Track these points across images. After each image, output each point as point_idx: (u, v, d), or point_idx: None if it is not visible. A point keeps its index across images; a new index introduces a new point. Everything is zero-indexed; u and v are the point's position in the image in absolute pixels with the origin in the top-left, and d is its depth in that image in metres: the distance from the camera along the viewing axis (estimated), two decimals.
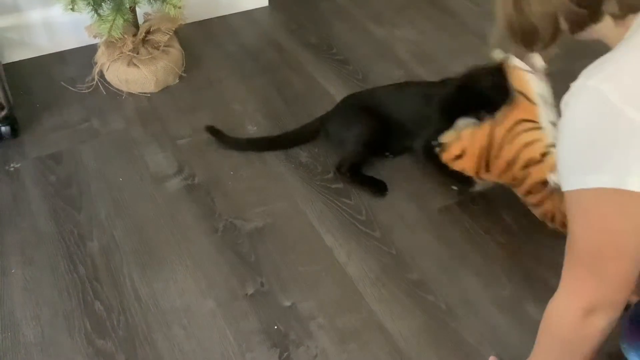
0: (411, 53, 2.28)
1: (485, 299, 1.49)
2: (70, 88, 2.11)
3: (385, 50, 2.31)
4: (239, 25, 2.44)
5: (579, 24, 1.04)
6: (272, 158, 1.87)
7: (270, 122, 1.99)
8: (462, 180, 1.68)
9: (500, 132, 1.55)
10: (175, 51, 2.15)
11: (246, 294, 1.51)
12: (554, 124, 1.50)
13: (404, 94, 1.88)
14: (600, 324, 1.02)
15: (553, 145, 1.48)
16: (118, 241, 1.63)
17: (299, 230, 1.66)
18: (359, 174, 1.78)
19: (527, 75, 1.56)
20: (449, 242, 1.62)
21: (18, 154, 1.88)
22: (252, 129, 1.96)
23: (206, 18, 2.44)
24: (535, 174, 1.52)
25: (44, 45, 2.25)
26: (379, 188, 1.75)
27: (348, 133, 1.83)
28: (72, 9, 1.89)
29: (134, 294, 1.51)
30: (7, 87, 1.88)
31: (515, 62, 1.57)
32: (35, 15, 2.20)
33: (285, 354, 1.39)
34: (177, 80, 2.16)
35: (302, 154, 1.88)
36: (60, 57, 2.26)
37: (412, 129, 1.80)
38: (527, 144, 1.52)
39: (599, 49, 1.05)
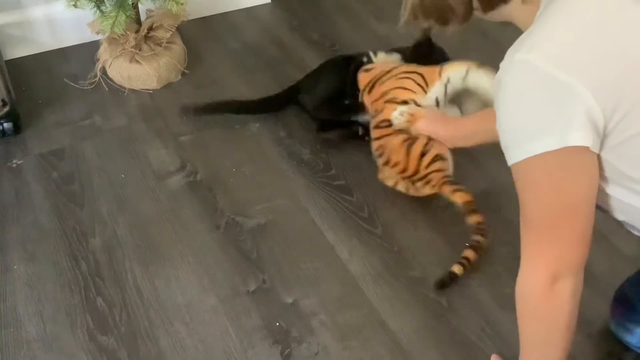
0: None
1: (486, 296, 1.49)
2: (73, 84, 2.11)
3: (387, 47, 2.29)
4: (241, 22, 2.44)
5: (490, 3, 1.11)
6: (275, 155, 1.87)
7: (272, 118, 1.99)
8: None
9: (399, 69, 1.76)
10: (178, 48, 2.15)
11: (248, 291, 1.51)
12: (437, 103, 1.70)
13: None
14: (568, 288, 1.04)
15: (415, 104, 1.68)
16: (120, 237, 1.63)
17: (301, 227, 1.66)
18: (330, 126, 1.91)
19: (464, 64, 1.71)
20: (451, 239, 1.62)
21: (20, 151, 1.88)
22: (254, 126, 1.96)
23: (208, 15, 2.44)
24: (387, 110, 1.68)
25: (46, 41, 2.25)
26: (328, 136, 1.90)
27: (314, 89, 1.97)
28: (75, 6, 1.89)
29: (136, 290, 1.51)
30: (9, 84, 1.88)
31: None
32: (37, 12, 2.20)
33: (287, 351, 1.39)
34: (179, 77, 2.16)
35: (304, 151, 1.88)
36: (62, 54, 2.26)
37: None
38: (403, 87, 1.70)
39: None
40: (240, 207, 1.71)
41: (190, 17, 2.19)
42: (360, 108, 1.80)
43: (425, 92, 1.70)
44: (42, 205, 1.72)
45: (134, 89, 2.10)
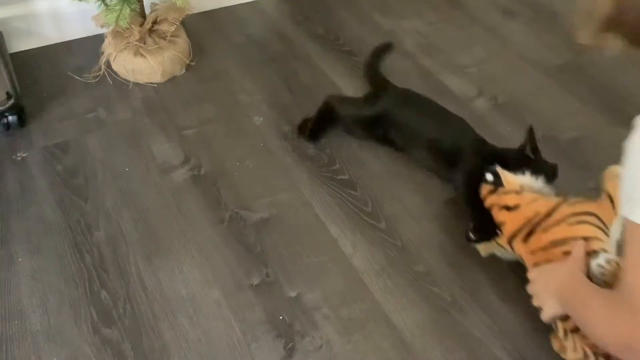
0: (418, 44, 2.28)
1: (490, 292, 1.49)
2: (77, 78, 2.12)
3: (392, 41, 2.30)
4: (246, 16, 2.44)
5: None
6: (279, 149, 1.87)
7: (276, 112, 1.99)
8: (484, 227, 1.51)
9: (565, 210, 1.39)
10: (182, 41, 2.15)
11: (251, 285, 1.51)
12: (619, 244, 1.34)
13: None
14: None
15: (606, 255, 1.29)
16: (124, 231, 1.63)
17: (305, 221, 1.66)
18: (325, 114, 1.88)
19: None
20: (455, 234, 1.61)
21: (25, 143, 1.88)
22: (258, 120, 1.96)
23: (213, 8, 2.44)
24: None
25: (51, 34, 2.26)
26: (314, 134, 1.87)
27: (360, 98, 1.93)
28: None
29: (140, 283, 1.51)
30: (14, 77, 1.88)
31: (614, 170, 1.43)
32: (42, 5, 2.20)
33: (290, 344, 1.39)
34: (184, 71, 2.16)
35: (308, 145, 1.88)
36: (67, 47, 2.26)
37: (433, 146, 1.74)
38: (587, 238, 1.33)
39: None
40: (244, 201, 1.71)
41: (195, 11, 2.18)
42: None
43: (607, 233, 1.37)
44: (47, 198, 1.72)
45: (139, 83, 2.10)
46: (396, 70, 2.15)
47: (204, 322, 1.44)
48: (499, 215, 1.47)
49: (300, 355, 1.37)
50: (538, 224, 1.40)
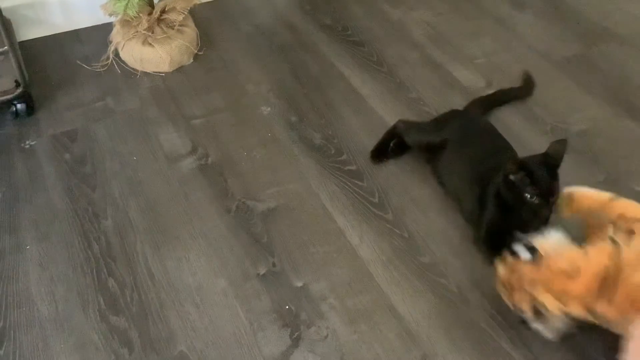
0: (427, 35, 2.27)
1: (496, 284, 1.48)
2: (85, 66, 2.12)
3: (400, 32, 2.29)
4: (254, 6, 2.43)
5: None
6: (286, 139, 1.87)
7: (284, 103, 1.99)
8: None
9: (629, 254, 1.25)
10: (190, 31, 2.15)
11: (258, 274, 1.51)
12: None
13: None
14: None
15: None
16: (132, 219, 1.64)
17: (312, 211, 1.66)
18: (393, 136, 1.80)
19: None
20: (461, 225, 1.61)
21: (33, 132, 1.89)
22: (266, 110, 1.96)
23: None
24: None
25: (59, 23, 2.26)
26: (376, 151, 1.79)
27: (431, 123, 1.79)
28: None
29: (147, 271, 1.52)
30: (22, 65, 1.89)
31: None
32: None
33: (297, 334, 1.40)
34: (192, 60, 2.16)
35: (315, 135, 1.88)
36: (75, 36, 2.26)
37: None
38: None
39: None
40: (251, 190, 1.71)
41: (203, 0, 2.19)
42: None
43: None
44: (55, 186, 1.73)
45: (146, 72, 2.10)
46: (404, 61, 2.15)
47: (210, 310, 1.44)
48: (558, 284, 1.27)
49: (306, 345, 1.38)
50: (612, 278, 1.23)
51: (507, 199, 1.44)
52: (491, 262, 1.42)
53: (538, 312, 1.29)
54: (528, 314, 1.30)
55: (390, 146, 1.80)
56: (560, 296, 1.26)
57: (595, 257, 1.27)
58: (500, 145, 1.63)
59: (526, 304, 1.30)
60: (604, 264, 1.25)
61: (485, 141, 1.65)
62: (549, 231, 1.34)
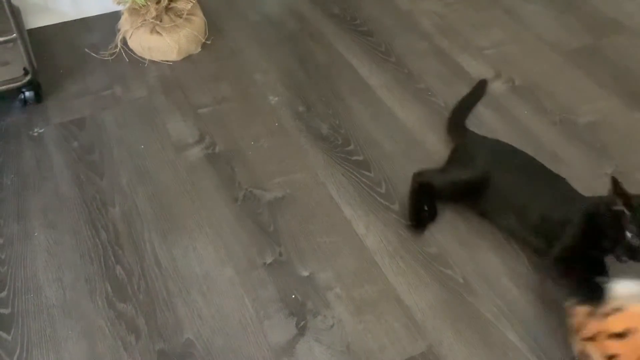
0: (435, 25, 2.25)
1: (503, 275, 1.49)
2: (94, 55, 2.12)
3: (409, 22, 2.28)
4: None
5: None
6: (293, 129, 1.86)
7: (291, 92, 1.99)
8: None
9: None
10: (198, 19, 2.15)
11: (264, 263, 1.52)
12: None
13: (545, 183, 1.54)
14: None
15: None
16: (139, 207, 1.64)
17: (318, 201, 1.66)
18: (420, 195, 1.61)
19: None
20: (468, 217, 1.61)
21: (41, 119, 1.90)
22: (274, 99, 1.96)
23: None
24: None
25: (67, 11, 2.26)
26: (415, 222, 1.59)
27: (456, 163, 1.65)
28: None
29: (155, 259, 1.52)
30: (31, 53, 1.89)
31: None
32: None
33: (302, 323, 1.40)
34: (200, 49, 2.16)
35: (322, 125, 1.87)
36: (83, 24, 2.26)
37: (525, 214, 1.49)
38: None
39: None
40: (258, 180, 1.71)
41: None
42: None
43: None
44: (63, 174, 1.73)
45: (154, 61, 2.10)
46: (413, 51, 2.14)
47: (217, 299, 1.45)
48: (610, 347, 1.18)
49: (311, 334, 1.38)
50: None
51: (603, 228, 1.35)
52: (558, 283, 1.40)
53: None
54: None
55: (425, 209, 1.61)
56: (608, 357, 1.18)
57: None
58: (545, 169, 1.56)
59: (581, 350, 1.25)
60: None
61: (528, 165, 1.57)
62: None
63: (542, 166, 1.56)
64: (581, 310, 1.25)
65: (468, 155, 1.63)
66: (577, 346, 1.27)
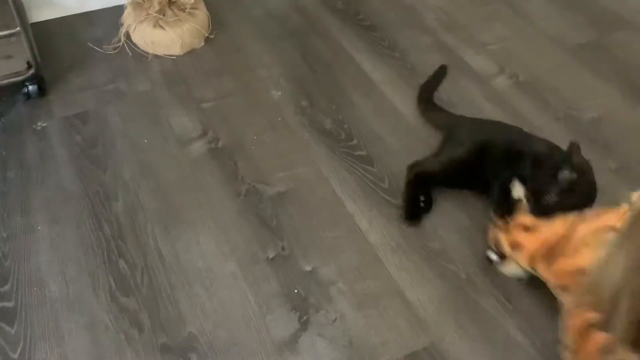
0: (439, 20, 2.25)
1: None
2: (97, 49, 2.12)
3: (413, 17, 2.27)
4: None
5: None
6: (296, 123, 1.86)
7: (294, 87, 1.98)
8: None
9: (583, 230, 1.32)
10: (201, 14, 2.14)
11: (267, 258, 1.52)
12: None
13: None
14: None
15: None
16: (142, 202, 1.65)
17: (321, 196, 1.66)
18: (416, 186, 1.63)
19: None
20: (471, 213, 1.61)
21: (45, 113, 1.90)
22: (277, 94, 1.96)
23: None
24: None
25: (71, 5, 2.26)
26: (409, 214, 1.60)
27: (447, 145, 1.71)
28: None
29: (158, 253, 1.53)
30: (34, 47, 1.89)
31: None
32: None
33: (305, 317, 1.40)
34: (203, 44, 2.15)
35: (326, 120, 1.87)
36: (87, 18, 2.26)
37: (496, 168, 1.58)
38: None
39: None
40: (261, 174, 1.71)
41: None
42: None
43: None
44: (66, 168, 1.74)
45: (157, 55, 2.10)
46: (416, 46, 2.13)
47: (220, 293, 1.45)
48: (518, 236, 1.41)
49: (314, 328, 1.38)
50: (557, 247, 1.33)
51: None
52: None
53: (501, 253, 1.44)
54: (493, 250, 1.46)
55: (421, 200, 1.62)
56: (514, 244, 1.41)
57: (557, 224, 1.37)
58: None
59: (494, 243, 1.46)
60: (559, 233, 1.34)
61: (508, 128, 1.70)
62: None
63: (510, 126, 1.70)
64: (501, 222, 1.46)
65: (455, 137, 1.70)
66: (492, 235, 1.47)
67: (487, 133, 1.67)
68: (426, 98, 1.90)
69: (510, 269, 1.45)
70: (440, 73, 2.00)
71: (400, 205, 1.62)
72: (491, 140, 1.63)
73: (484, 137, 1.64)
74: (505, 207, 1.47)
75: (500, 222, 1.46)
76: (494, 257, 1.46)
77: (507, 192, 1.49)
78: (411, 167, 1.66)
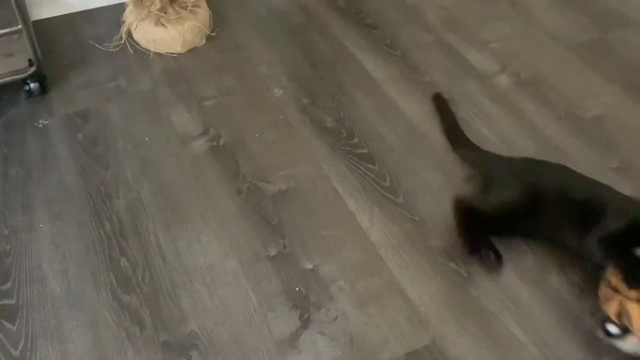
0: (441, 18, 2.25)
1: (507, 269, 1.48)
2: (98, 46, 2.12)
3: (414, 15, 2.27)
4: None
5: None
6: (298, 121, 1.86)
7: (296, 85, 1.98)
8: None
9: None
10: (203, 12, 2.14)
11: (268, 256, 1.52)
12: None
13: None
14: None
15: None
16: (144, 199, 1.65)
17: (322, 194, 1.66)
18: (469, 219, 1.51)
19: None
20: None
21: (46, 111, 1.90)
22: (278, 92, 1.96)
23: None
24: None
25: (72, 3, 2.26)
26: (472, 249, 1.49)
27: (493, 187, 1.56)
28: None
29: (159, 251, 1.53)
30: (36, 44, 1.89)
31: None
32: None
33: (306, 315, 1.40)
34: (204, 41, 2.15)
35: (327, 118, 1.87)
36: (88, 15, 2.26)
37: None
38: None
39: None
40: (263, 172, 1.71)
41: None
42: None
43: None
44: (68, 166, 1.74)
45: (159, 53, 2.10)
46: (418, 44, 2.13)
47: (221, 291, 1.45)
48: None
49: (315, 326, 1.39)
50: None
51: None
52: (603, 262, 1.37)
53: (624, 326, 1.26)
54: (613, 322, 1.26)
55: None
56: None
57: None
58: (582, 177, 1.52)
59: (616, 314, 1.26)
60: None
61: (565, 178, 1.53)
62: None
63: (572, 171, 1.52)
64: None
65: (499, 177, 1.57)
66: (616, 305, 1.26)
67: (534, 175, 1.52)
68: (456, 135, 1.78)
69: (634, 344, 1.26)
70: (442, 104, 1.88)
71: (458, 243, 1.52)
72: (543, 184, 1.48)
73: (532, 180, 1.50)
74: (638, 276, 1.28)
75: (630, 291, 1.26)
76: (614, 330, 1.26)
77: (633, 257, 1.31)
78: (458, 202, 1.53)
